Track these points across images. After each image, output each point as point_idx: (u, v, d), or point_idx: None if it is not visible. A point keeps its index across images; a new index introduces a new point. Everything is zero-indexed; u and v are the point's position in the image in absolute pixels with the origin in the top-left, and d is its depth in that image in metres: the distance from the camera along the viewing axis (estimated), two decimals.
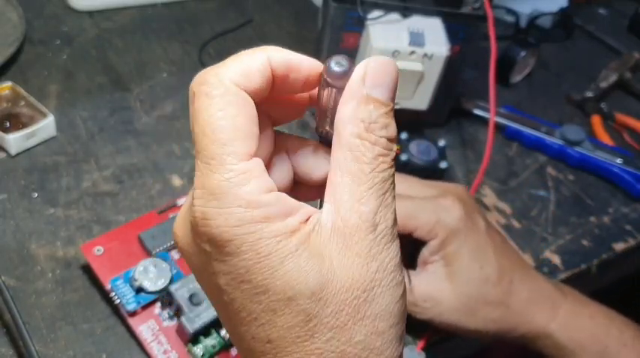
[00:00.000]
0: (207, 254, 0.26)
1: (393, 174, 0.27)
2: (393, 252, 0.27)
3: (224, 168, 0.25)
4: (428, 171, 0.60)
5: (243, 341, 0.27)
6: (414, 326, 0.50)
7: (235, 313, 0.27)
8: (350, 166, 0.27)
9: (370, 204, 0.26)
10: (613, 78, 0.79)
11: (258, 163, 0.26)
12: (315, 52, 0.66)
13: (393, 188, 0.27)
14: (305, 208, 0.27)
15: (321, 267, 0.26)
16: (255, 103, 0.27)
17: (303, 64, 0.28)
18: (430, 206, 0.46)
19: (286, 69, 0.28)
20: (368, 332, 0.26)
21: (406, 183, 0.50)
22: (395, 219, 0.27)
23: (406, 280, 0.29)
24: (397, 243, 0.27)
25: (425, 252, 0.46)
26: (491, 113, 0.60)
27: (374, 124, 0.27)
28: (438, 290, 0.46)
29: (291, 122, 0.68)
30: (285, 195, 0.27)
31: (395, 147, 0.28)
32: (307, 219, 0.27)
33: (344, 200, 0.27)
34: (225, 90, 0.26)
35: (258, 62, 0.28)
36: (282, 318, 0.26)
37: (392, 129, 0.27)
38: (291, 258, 0.25)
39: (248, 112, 0.27)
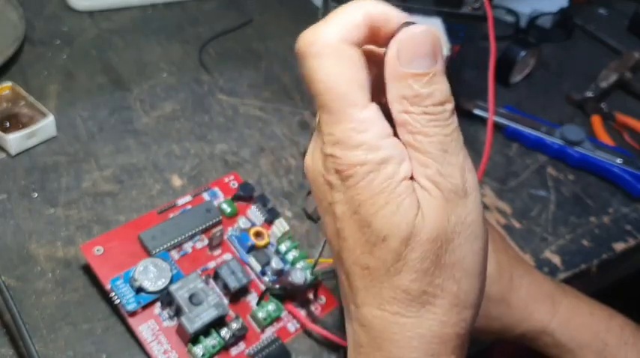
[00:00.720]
0: (331, 185, 0.31)
1: (455, 129, 0.30)
2: (468, 207, 0.30)
3: (347, 119, 0.29)
4: None
5: (345, 264, 0.32)
6: None
7: (344, 239, 0.31)
8: (408, 139, 0.30)
9: (434, 167, 0.29)
10: (613, 78, 0.79)
11: (376, 109, 0.30)
12: None
13: (458, 144, 0.30)
14: None
15: (414, 217, 0.29)
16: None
17: (394, 18, 0.30)
18: None
19: (383, 21, 0.30)
20: (446, 278, 0.30)
21: None
22: (464, 175, 0.30)
23: None
24: (474, 197, 0.30)
25: None
26: (489, 112, 0.59)
27: (417, 98, 0.29)
28: None
29: (291, 121, 0.68)
30: (399, 143, 0.30)
31: (449, 105, 0.29)
32: None
33: (416, 165, 0.30)
34: (334, 48, 0.29)
35: (357, 17, 0.30)
36: (378, 252, 0.30)
37: (438, 94, 0.29)
38: (393, 202, 0.29)
39: (357, 64, 0.30)
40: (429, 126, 0.29)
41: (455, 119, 0.30)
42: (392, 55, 0.29)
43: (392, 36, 0.30)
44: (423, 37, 0.29)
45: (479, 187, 0.30)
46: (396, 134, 0.30)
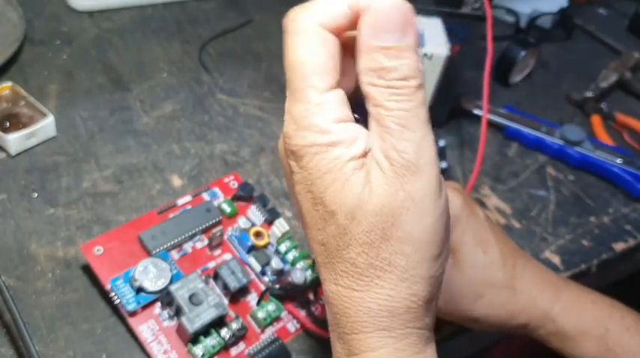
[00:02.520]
0: (290, 166, 0.32)
1: (417, 105, 0.30)
2: (419, 183, 0.30)
3: (304, 99, 0.30)
4: None
5: (309, 240, 0.33)
6: None
7: (303, 216, 0.33)
8: (372, 111, 0.30)
9: (389, 141, 0.30)
10: (613, 78, 0.79)
11: (336, 95, 0.31)
12: None
13: (418, 120, 0.30)
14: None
15: (361, 192, 0.30)
16: (340, 39, 0.31)
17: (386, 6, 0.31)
18: None
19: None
20: (393, 252, 0.31)
21: None
22: (419, 151, 0.30)
23: None
24: (427, 174, 0.30)
25: None
26: (484, 111, 0.59)
27: (382, 71, 0.30)
28: (445, 278, 0.46)
29: None
30: (356, 126, 0.31)
31: (413, 81, 0.30)
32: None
33: (375, 138, 0.30)
34: (309, 29, 0.30)
35: (343, 4, 0.31)
36: (328, 227, 0.31)
37: (404, 69, 0.30)
38: (340, 180, 0.30)
39: (328, 50, 0.31)
40: (390, 101, 0.30)
41: (419, 96, 0.30)
42: (363, 26, 0.30)
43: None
44: (394, 10, 0.29)
45: (436, 166, 0.31)
46: (365, 121, 0.31)
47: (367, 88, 0.30)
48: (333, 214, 0.31)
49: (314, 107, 0.30)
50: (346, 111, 0.31)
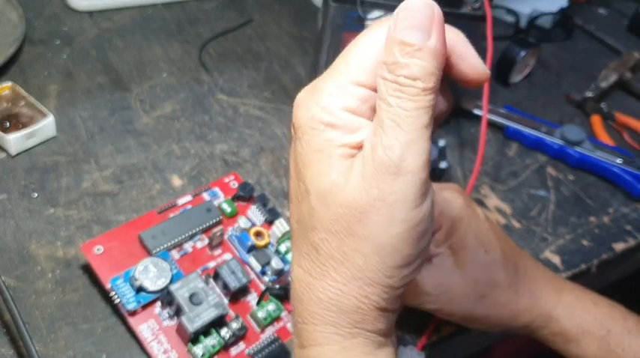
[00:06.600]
0: (292, 133, 0.32)
1: (418, 108, 0.29)
2: (395, 186, 0.29)
3: (336, 80, 0.31)
4: None
5: (291, 217, 0.33)
6: (414, 324, 0.51)
7: (289, 189, 0.33)
8: (377, 104, 0.30)
9: (379, 136, 0.29)
10: (613, 78, 0.79)
11: (361, 92, 0.31)
12: (315, 52, 0.66)
13: (415, 122, 0.29)
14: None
15: (337, 178, 0.30)
16: None
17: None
18: None
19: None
20: (354, 248, 0.30)
21: None
22: (404, 154, 0.29)
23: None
24: (408, 179, 0.29)
25: (430, 246, 0.47)
26: (484, 110, 0.59)
27: (394, 65, 0.29)
28: (447, 279, 0.46)
29: (291, 121, 0.68)
30: (362, 120, 0.31)
31: (420, 83, 0.29)
32: None
33: (370, 131, 0.30)
34: (380, 32, 0.30)
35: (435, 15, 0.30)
36: (303, 205, 0.31)
37: (415, 69, 0.29)
38: (324, 161, 0.30)
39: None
40: (392, 96, 0.29)
41: (425, 99, 0.29)
42: (391, 20, 0.30)
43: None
44: (422, 8, 0.29)
45: (422, 174, 0.30)
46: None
47: (378, 81, 0.30)
48: (308, 193, 0.31)
49: (334, 88, 0.30)
50: (362, 107, 0.31)
